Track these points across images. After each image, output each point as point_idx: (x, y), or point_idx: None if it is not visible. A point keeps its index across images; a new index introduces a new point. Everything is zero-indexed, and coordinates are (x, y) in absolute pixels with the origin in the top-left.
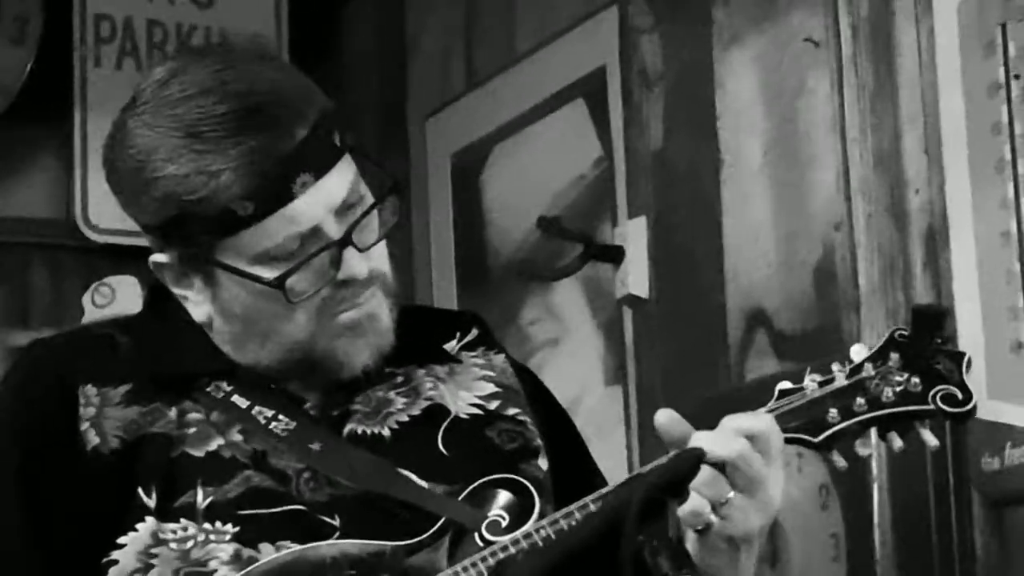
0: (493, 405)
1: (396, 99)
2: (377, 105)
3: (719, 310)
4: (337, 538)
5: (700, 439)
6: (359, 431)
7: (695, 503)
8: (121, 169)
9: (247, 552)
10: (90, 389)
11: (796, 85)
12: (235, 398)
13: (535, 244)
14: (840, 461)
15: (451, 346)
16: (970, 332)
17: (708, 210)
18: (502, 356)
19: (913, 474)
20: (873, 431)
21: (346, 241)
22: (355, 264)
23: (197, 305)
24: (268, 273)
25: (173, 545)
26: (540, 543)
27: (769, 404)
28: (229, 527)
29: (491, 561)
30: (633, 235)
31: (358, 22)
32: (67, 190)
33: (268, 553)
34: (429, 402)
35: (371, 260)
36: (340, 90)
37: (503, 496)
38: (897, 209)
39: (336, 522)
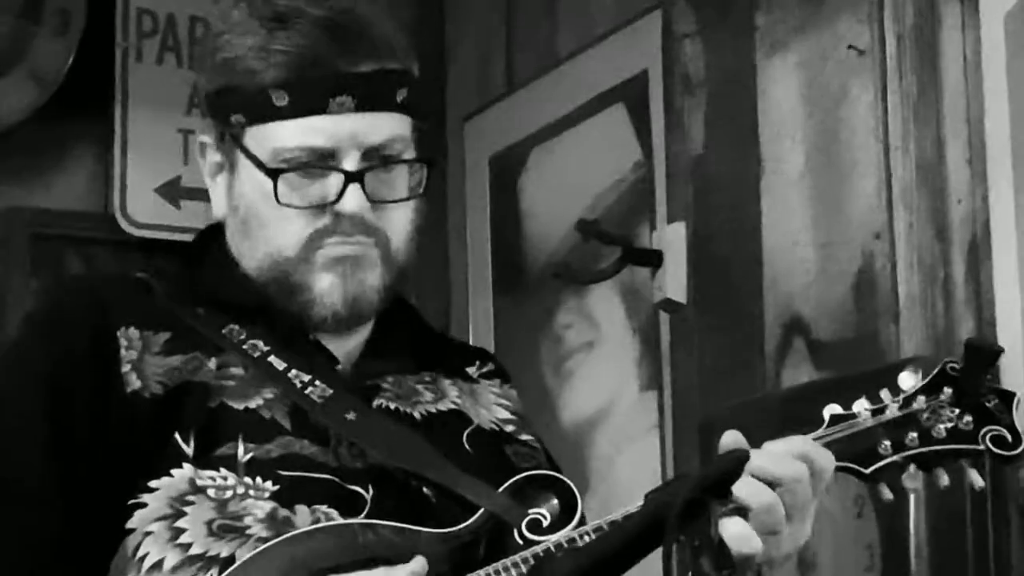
0: (509, 428)
1: (435, 100)
2: None
3: (757, 317)
4: (368, 510)
5: (761, 455)
6: (391, 407)
7: (745, 529)
8: (211, 28)
9: (283, 512)
10: (132, 332)
11: (839, 92)
12: (272, 359)
13: (572, 247)
14: (887, 493)
15: (471, 371)
16: (1011, 343)
17: (747, 216)
18: (515, 392)
19: (1009, 468)
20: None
21: (357, 177)
22: (357, 202)
23: (218, 199)
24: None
25: (211, 492)
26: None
27: (820, 430)
28: (269, 484)
29: (532, 562)
30: (672, 240)
31: (397, 22)
32: (105, 183)
33: (303, 515)
34: (455, 406)
35: (380, 218)
36: None
37: (545, 494)
38: (939, 219)
39: (367, 494)
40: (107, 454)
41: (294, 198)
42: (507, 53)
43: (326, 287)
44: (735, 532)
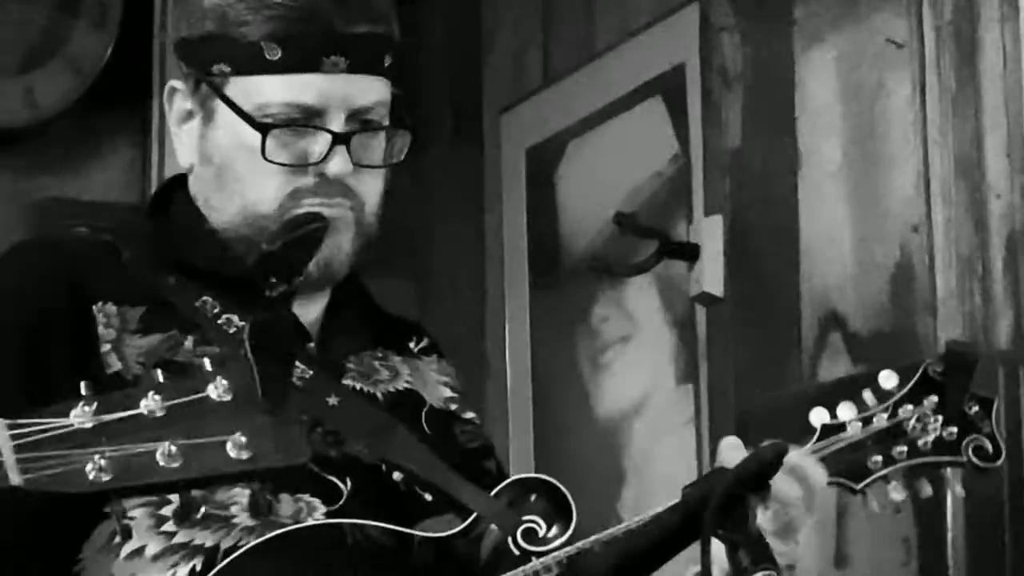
0: (453, 407)
1: (471, 92)
2: (452, 98)
3: (794, 310)
4: (344, 502)
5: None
6: (356, 387)
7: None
8: None
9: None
10: (110, 308)
11: (877, 86)
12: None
13: (609, 240)
14: (875, 506)
15: (412, 346)
16: None
17: (785, 210)
18: (452, 367)
19: (988, 477)
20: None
21: (344, 138)
22: (342, 164)
23: (186, 147)
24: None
25: None
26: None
27: (811, 444)
28: None
29: (566, 561)
30: (709, 233)
31: (434, 14)
32: (143, 174)
33: (287, 504)
34: (408, 385)
35: (358, 182)
36: (415, 82)
37: (537, 501)
38: (977, 213)
39: (345, 486)
40: None
41: (279, 155)
42: (544, 45)
43: None
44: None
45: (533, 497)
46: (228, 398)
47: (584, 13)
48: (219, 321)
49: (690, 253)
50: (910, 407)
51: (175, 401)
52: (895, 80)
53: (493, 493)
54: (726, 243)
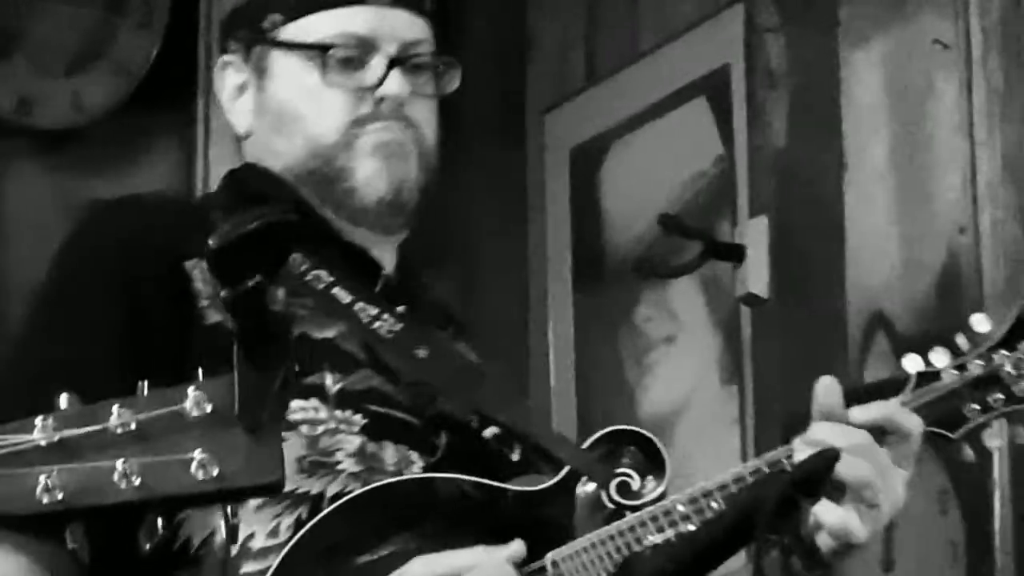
0: None
1: (515, 92)
2: (496, 98)
3: (839, 311)
4: (439, 458)
5: (822, 427)
6: None
7: (844, 519)
8: None
9: (371, 447)
10: (205, 264)
11: (923, 87)
12: (336, 291)
13: (653, 241)
14: (971, 454)
15: (450, 329)
16: None
17: (830, 211)
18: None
19: None
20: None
21: (400, 61)
22: (397, 85)
23: (242, 116)
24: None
25: (304, 429)
26: (673, 538)
27: (906, 394)
28: (359, 418)
29: (628, 537)
30: (754, 234)
31: (478, 14)
32: (189, 175)
33: (390, 453)
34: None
35: (414, 111)
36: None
37: (631, 453)
38: None
39: (440, 441)
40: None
41: (341, 79)
42: (588, 45)
43: (371, 172)
44: (835, 523)
45: (626, 449)
46: (206, 412)
47: (628, 13)
48: (307, 278)
49: (735, 254)
50: (1005, 352)
51: (147, 415)
52: (942, 81)
53: (585, 446)
54: (771, 244)
